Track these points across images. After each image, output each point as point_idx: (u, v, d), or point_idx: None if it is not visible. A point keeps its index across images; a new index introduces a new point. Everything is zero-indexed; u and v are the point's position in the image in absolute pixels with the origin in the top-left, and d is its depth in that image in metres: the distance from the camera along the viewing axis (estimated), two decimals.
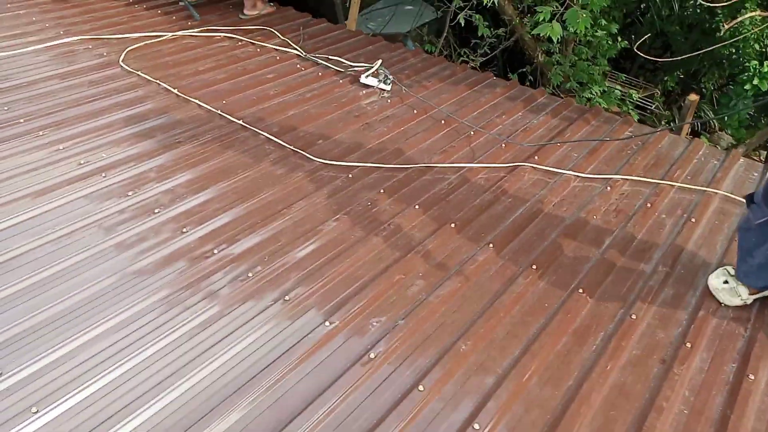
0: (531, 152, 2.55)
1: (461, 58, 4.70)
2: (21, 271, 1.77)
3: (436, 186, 2.29)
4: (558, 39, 3.04)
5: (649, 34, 5.08)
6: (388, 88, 2.96)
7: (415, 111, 2.82)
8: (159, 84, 2.87)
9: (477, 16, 4.38)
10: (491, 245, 1.99)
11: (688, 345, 1.65)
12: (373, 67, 3.01)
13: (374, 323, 1.68)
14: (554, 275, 1.89)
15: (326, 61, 3.22)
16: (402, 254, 1.93)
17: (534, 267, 1.90)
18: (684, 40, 5.65)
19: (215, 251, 1.90)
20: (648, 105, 5.46)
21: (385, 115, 2.78)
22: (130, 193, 2.12)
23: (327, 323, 1.66)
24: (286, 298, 1.74)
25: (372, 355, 1.57)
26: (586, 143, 2.65)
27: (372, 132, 2.63)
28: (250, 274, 1.81)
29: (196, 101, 2.74)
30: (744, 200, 1.81)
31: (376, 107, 2.84)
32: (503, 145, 2.58)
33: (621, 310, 1.77)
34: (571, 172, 2.40)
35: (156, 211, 2.05)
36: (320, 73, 3.13)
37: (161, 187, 2.18)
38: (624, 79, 5.61)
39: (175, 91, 2.81)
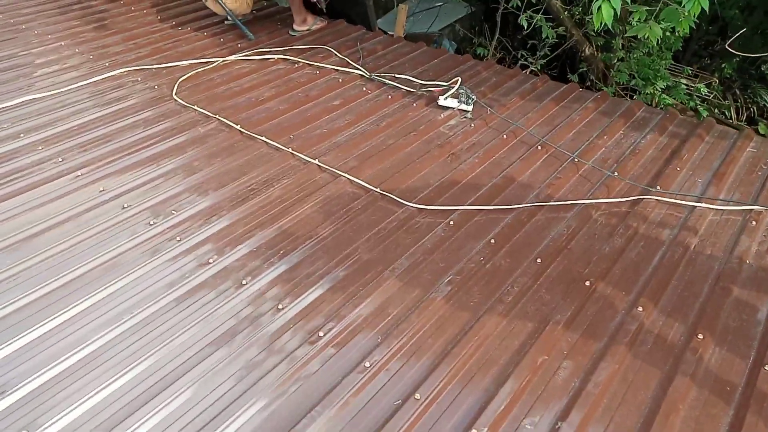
0: (649, 180, 2.23)
1: (520, 62, 4.36)
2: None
3: (552, 230, 1.99)
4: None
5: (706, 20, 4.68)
6: (470, 108, 2.66)
7: (504, 136, 2.51)
8: (219, 119, 2.61)
9: (539, 16, 4.03)
10: (640, 308, 1.68)
11: None
12: (452, 87, 2.71)
13: (528, 426, 1.39)
14: (726, 345, 1.58)
15: (394, 81, 2.93)
16: (537, 326, 1.64)
17: (700, 336, 1.59)
18: (743, 24, 5.21)
19: (320, 334, 1.63)
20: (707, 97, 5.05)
21: (471, 143, 2.48)
22: (211, 261, 1.87)
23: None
24: (416, 396, 1.46)
25: None
26: (706, 164, 2.31)
27: (462, 165, 2.34)
28: (367, 364, 1.54)
29: (263, 138, 2.47)
30: None
31: (460, 133, 2.54)
32: (615, 173, 2.26)
33: None
34: (704, 205, 2.07)
35: (244, 282, 1.79)
36: (390, 96, 2.84)
37: (243, 250, 1.92)
38: (689, 72, 5.20)
39: (238, 127, 2.56)
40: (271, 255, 1.90)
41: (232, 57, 3.18)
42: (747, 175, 2.26)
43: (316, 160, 2.33)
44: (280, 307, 1.71)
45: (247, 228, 2.01)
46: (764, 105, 5.37)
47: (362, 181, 2.22)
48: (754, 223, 2.00)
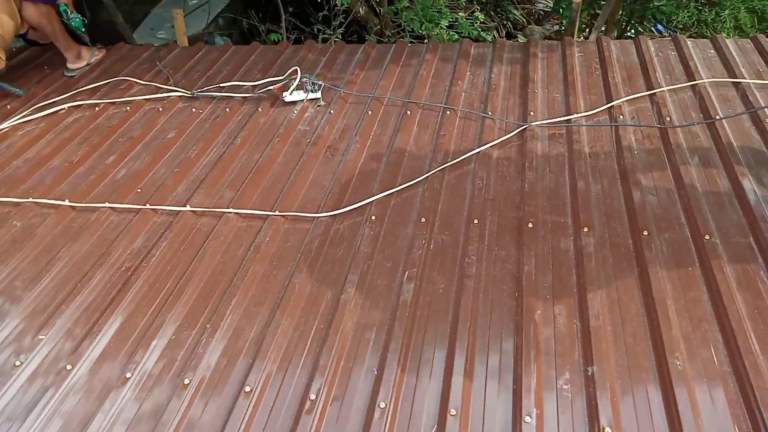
0: (520, 110, 2.29)
1: (322, 35, 4.22)
2: None
3: (467, 187, 1.94)
4: None
5: None
6: (319, 95, 2.46)
7: (369, 112, 2.38)
8: (35, 202, 2.05)
9: None
10: (585, 229, 1.71)
11: None
12: (293, 79, 2.47)
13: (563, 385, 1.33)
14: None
15: (222, 91, 2.59)
16: (515, 286, 1.58)
17: (645, 233, 1.67)
18: None
19: (312, 397, 1.37)
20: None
21: (341, 129, 2.31)
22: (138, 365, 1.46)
23: None
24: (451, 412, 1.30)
25: None
26: (553, 79, 2.45)
27: (345, 155, 2.16)
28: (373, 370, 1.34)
29: (106, 205, 2.00)
30: None
31: (324, 124, 2.34)
32: (489, 113, 2.27)
33: None
34: (576, 115, 2.19)
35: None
36: (227, 108, 2.51)
37: (160, 345, 1.54)
38: (463, 3, 5.57)
39: (66, 202, 2.04)
40: (206, 332, 1.55)
41: (7, 124, 2.52)
42: (589, 77, 2.45)
43: (186, 206, 1.96)
44: (247, 390, 1.40)
45: (152, 318, 1.61)
46: (515, 19, 6.01)
47: (252, 209, 1.92)
48: (621, 117, 2.16)
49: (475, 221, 1.80)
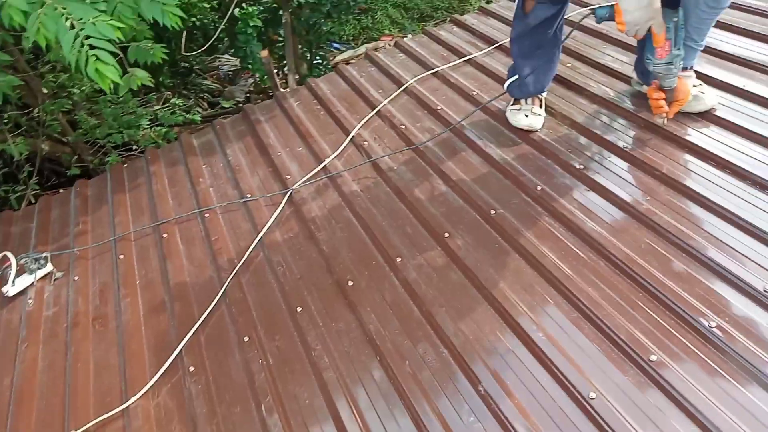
0: (277, 180, 2.20)
1: (13, 197, 3.54)
2: None
3: (269, 277, 1.78)
4: None
5: None
6: (50, 267, 2.03)
7: (122, 256, 2.03)
8: None
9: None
10: (492, 211, 1.70)
11: None
12: (8, 267, 1.97)
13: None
14: None
15: None
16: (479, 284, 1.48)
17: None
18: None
19: None
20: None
21: (98, 291, 1.93)
22: None
23: None
24: None
25: None
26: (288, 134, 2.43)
27: (122, 318, 1.80)
28: None
29: None
30: None
31: (76, 295, 1.93)
32: (249, 195, 2.13)
33: None
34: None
35: None
36: None
37: None
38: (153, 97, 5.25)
39: None
40: None
41: None
42: (318, 120, 2.47)
43: None
44: None
45: None
46: (209, 88, 5.99)
47: None
48: (366, 143, 2.23)
49: (298, 309, 1.65)
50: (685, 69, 1.75)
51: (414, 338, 1.51)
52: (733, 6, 2.33)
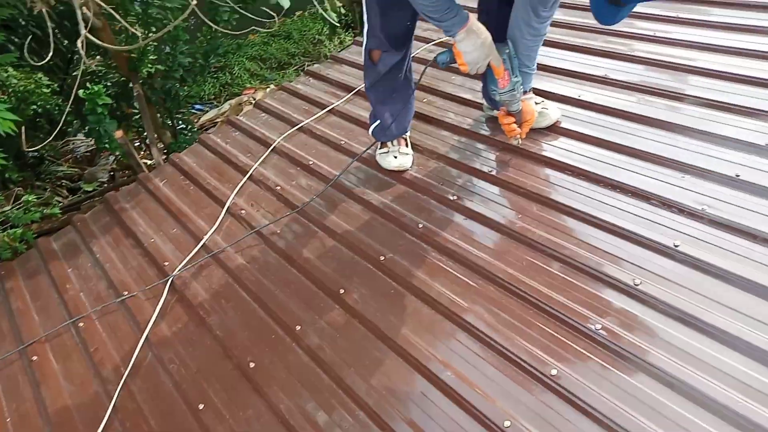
0: (153, 270, 2.06)
1: None
2: None
3: (163, 377, 1.64)
4: None
5: None
6: None
7: None
8: None
9: None
10: (383, 258, 1.65)
11: None
12: None
13: None
14: None
15: None
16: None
17: None
18: None
19: None
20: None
21: None
22: None
23: None
24: None
25: None
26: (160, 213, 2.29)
27: None
28: None
29: None
30: None
31: None
32: (125, 292, 1.97)
33: None
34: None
35: None
36: None
37: None
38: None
39: None
40: None
41: None
42: (188, 196, 2.36)
43: None
44: None
45: None
46: (64, 174, 5.56)
47: None
48: (243, 211, 2.16)
49: (200, 406, 1.54)
50: (525, 92, 1.90)
51: (328, 407, 1.46)
52: (557, 24, 2.58)
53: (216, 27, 4.11)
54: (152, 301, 1.91)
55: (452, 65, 1.77)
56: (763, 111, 1.82)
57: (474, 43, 1.66)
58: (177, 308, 1.87)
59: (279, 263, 1.91)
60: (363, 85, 2.13)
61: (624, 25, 2.40)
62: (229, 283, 1.90)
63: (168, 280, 1.95)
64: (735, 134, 1.77)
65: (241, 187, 2.26)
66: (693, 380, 1.25)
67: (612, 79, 2.15)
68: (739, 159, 1.70)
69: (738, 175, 1.65)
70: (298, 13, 6.94)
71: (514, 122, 1.89)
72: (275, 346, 1.65)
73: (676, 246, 1.53)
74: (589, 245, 1.62)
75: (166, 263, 2.03)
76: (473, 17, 1.66)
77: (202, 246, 2.05)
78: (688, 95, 1.98)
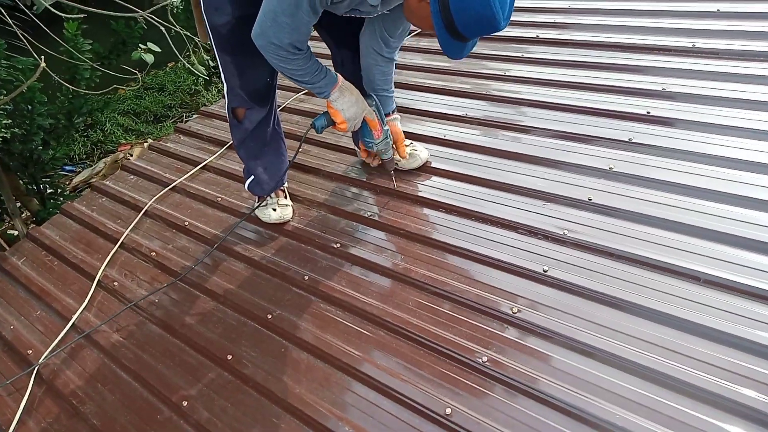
0: (14, 359, 1.84)
1: None
2: None
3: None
4: None
5: None
6: None
7: None
8: None
9: None
10: (270, 315, 1.54)
11: None
12: None
13: None
14: None
15: None
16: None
17: None
18: None
19: None
20: None
21: None
22: None
23: None
24: None
25: None
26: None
27: None
28: None
29: None
30: None
31: None
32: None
33: None
34: None
35: None
36: None
37: None
38: None
39: None
40: None
41: None
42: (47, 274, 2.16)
43: None
44: None
45: None
46: None
47: None
48: (115, 283, 2.01)
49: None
50: (389, 114, 1.96)
51: None
52: (419, 69, 2.72)
53: (71, 87, 3.88)
54: (15, 397, 1.71)
55: (329, 127, 1.80)
56: (602, 138, 2.03)
57: (349, 99, 1.71)
58: (46, 401, 1.69)
59: (159, 335, 1.79)
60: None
61: (479, 67, 2.60)
62: (105, 364, 1.75)
63: (33, 369, 1.75)
64: (583, 161, 1.95)
65: (113, 256, 2.11)
66: (575, 400, 1.33)
67: (471, 117, 2.29)
68: (588, 183, 1.87)
69: (590, 199, 1.81)
70: (170, 65, 6.75)
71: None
72: (162, 426, 1.53)
73: (545, 271, 1.63)
74: (468, 279, 1.69)
75: (30, 351, 1.83)
76: (340, 76, 1.71)
77: (71, 327, 1.87)
78: (539, 128, 2.16)
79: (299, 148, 1.92)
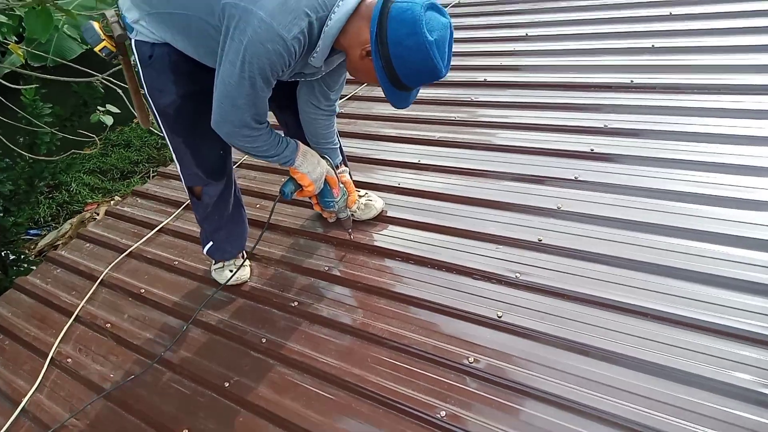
0: None
1: None
2: None
3: None
4: None
5: None
6: None
7: None
8: None
9: None
10: (227, 382, 1.48)
11: None
12: None
13: None
14: None
15: None
16: None
17: None
18: None
19: None
20: None
21: None
22: None
23: None
24: None
25: None
26: None
27: None
28: None
29: None
30: None
31: None
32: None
33: None
34: None
35: None
36: None
37: None
38: None
39: None
40: None
41: None
42: None
43: None
44: None
45: None
46: None
47: None
48: (69, 360, 1.95)
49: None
50: (338, 166, 1.95)
51: None
52: (373, 117, 2.76)
53: (27, 154, 3.84)
54: None
55: (297, 191, 1.77)
56: (550, 177, 2.06)
57: (312, 161, 1.71)
58: None
59: (114, 413, 1.73)
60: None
61: (430, 112, 2.64)
62: None
63: None
64: (533, 201, 1.98)
65: (67, 331, 2.06)
66: None
67: (424, 164, 2.32)
68: (538, 224, 1.89)
69: (540, 240, 1.83)
70: (135, 121, 6.75)
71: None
72: None
73: (500, 316, 1.63)
74: (426, 330, 1.68)
75: None
76: (298, 141, 1.71)
77: (21, 410, 1.80)
78: (490, 171, 2.19)
79: (269, 219, 1.86)
